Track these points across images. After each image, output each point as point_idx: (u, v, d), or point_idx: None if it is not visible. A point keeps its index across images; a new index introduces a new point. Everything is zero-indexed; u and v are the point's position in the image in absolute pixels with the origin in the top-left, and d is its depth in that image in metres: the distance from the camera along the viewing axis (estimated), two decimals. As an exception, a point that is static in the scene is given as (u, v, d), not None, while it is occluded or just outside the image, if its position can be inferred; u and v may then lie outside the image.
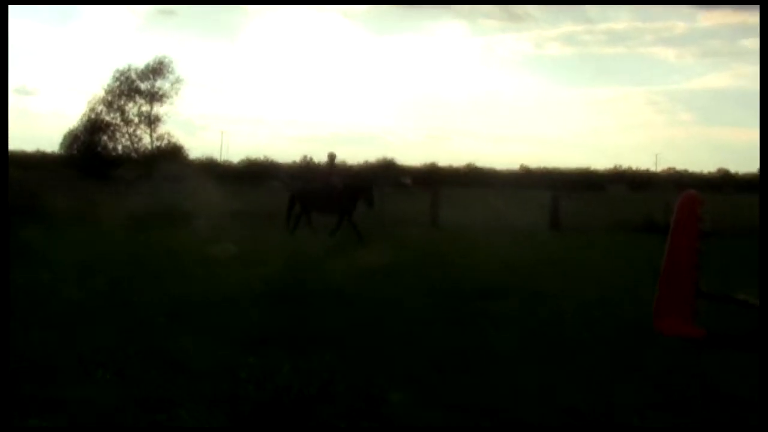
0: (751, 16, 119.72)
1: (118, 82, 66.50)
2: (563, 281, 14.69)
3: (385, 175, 54.92)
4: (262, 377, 7.12)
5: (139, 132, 66.74)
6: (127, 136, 66.60)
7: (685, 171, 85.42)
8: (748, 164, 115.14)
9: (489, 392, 6.97)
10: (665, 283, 10.00)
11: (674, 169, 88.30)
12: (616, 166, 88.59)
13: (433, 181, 52.04)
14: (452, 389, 7.04)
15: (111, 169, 61.40)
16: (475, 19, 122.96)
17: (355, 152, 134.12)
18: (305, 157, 74.99)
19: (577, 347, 8.92)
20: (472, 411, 6.48)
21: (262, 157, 75.07)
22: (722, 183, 68.82)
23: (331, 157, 24.90)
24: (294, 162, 72.48)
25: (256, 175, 59.18)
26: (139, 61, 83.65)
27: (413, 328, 9.80)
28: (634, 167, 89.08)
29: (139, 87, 66.91)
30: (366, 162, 74.54)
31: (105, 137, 65.65)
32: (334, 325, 9.78)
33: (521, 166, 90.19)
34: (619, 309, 11.57)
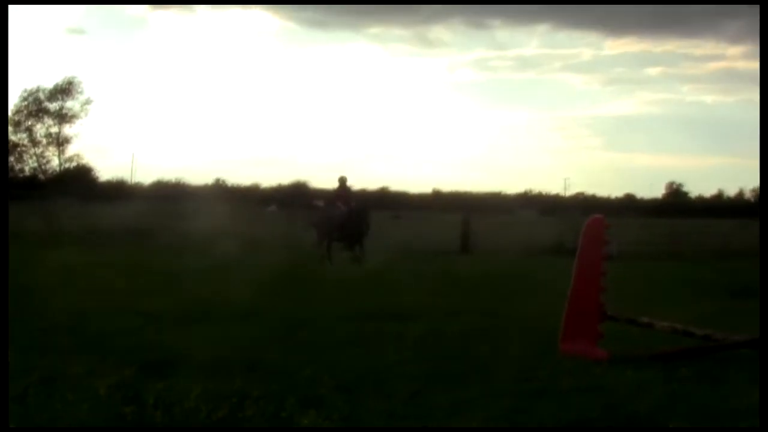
0: (655, 46, 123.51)
1: (25, 102, 64.98)
2: (472, 302, 14.88)
3: (298, 198, 54.78)
4: (170, 402, 7.03)
5: (47, 153, 65.30)
6: (35, 157, 65.07)
7: (593, 196, 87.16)
8: (653, 189, 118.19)
9: (399, 412, 7.01)
10: (571, 306, 10.19)
11: (583, 193, 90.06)
12: (526, 191, 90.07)
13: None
14: (361, 411, 7.04)
15: (18, 190, 59.89)
16: (388, 43, 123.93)
17: (268, 174, 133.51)
18: (218, 179, 74.37)
19: (486, 367, 9.03)
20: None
21: (173, 180, 74.20)
22: (628, 207, 70.43)
23: (343, 180, 24.54)
24: (206, 184, 71.73)
25: (167, 197, 58.44)
26: (48, 81, 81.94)
27: (322, 350, 9.80)
28: (544, 192, 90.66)
29: (47, 107, 65.50)
30: (279, 185, 74.26)
31: (12, 158, 64.07)
32: (243, 345, 9.75)
33: (433, 189, 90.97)
34: (527, 330, 11.75)
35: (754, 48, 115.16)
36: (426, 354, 9.72)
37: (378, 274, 19.86)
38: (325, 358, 9.25)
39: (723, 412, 7.31)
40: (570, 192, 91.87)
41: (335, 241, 23.50)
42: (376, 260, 23.63)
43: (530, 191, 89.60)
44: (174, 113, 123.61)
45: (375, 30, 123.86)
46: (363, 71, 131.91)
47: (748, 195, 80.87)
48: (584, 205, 64.26)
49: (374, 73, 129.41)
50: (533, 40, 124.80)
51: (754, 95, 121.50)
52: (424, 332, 11.30)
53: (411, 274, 20.25)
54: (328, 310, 13.17)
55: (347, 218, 23.08)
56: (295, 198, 53.91)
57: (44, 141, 65.16)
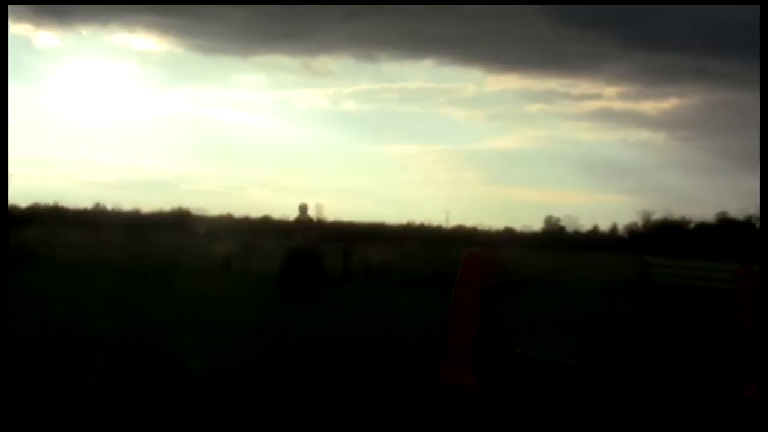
0: (536, 83, 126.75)
1: None
2: (357, 331, 14.94)
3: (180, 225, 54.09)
4: None
5: None
6: None
7: (474, 228, 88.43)
8: (532, 223, 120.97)
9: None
10: (448, 336, 10.34)
11: (464, 226, 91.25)
12: (409, 222, 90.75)
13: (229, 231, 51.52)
14: None
15: None
16: (274, 72, 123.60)
17: (149, 199, 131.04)
18: (98, 204, 72.58)
19: (363, 392, 9.07)
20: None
21: (51, 203, 72.02)
22: (508, 240, 71.75)
23: (304, 208, 21.02)
24: (86, 209, 69.85)
25: (45, 220, 56.78)
26: None
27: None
28: (426, 223, 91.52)
29: None
30: (161, 210, 72.93)
31: None
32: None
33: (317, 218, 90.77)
34: (406, 358, 11.85)
35: (629, 89, 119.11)
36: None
37: (252, 305, 19.72)
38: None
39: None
40: (451, 224, 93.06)
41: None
42: (253, 289, 23.50)
43: (412, 223, 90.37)
44: (50, 134, 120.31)
45: (262, 58, 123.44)
46: (248, 99, 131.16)
47: (621, 231, 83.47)
48: (466, 237, 65.27)
49: (259, 101, 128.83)
50: (419, 74, 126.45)
51: (629, 135, 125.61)
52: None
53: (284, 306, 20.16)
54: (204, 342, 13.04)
55: (300, 260, 20.15)
56: (176, 224, 53.18)
57: None
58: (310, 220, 21.12)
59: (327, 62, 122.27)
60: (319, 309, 18.92)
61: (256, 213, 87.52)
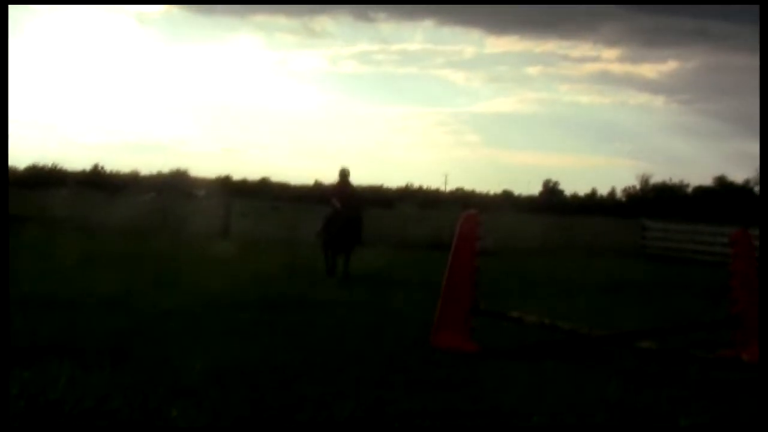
0: (535, 45, 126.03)
1: None
2: (348, 295, 15.01)
3: (178, 186, 54.00)
4: (35, 392, 6.87)
5: None
6: None
7: (473, 191, 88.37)
8: (530, 186, 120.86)
9: (268, 403, 7.03)
10: (444, 300, 10.38)
11: (462, 189, 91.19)
12: (407, 185, 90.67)
13: (227, 193, 51.43)
14: (232, 402, 7.04)
15: None
16: (272, 32, 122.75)
17: (147, 162, 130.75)
18: (96, 165, 72.35)
19: (358, 359, 9.13)
20: (254, 424, 6.53)
21: (50, 164, 71.85)
22: (506, 203, 71.73)
23: (345, 174, 19.46)
24: (84, 170, 69.65)
25: (42, 182, 56.67)
26: None
27: (193, 339, 9.74)
28: (424, 186, 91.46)
29: None
30: (159, 172, 72.78)
31: None
32: (111, 334, 9.62)
33: (315, 181, 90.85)
34: (401, 323, 11.92)
35: (628, 51, 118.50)
36: (298, 345, 9.77)
37: (255, 265, 19.78)
38: (196, 347, 9.18)
39: (583, 404, 7.57)
40: (450, 187, 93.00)
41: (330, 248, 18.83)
42: (255, 250, 23.56)
43: (411, 185, 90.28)
44: (50, 98, 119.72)
45: (260, 18, 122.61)
46: (246, 60, 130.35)
47: (619, 194, 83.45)
48: (464, 200, 65.25)
49: (257, 62, 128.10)
50: (417, 35, 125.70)
51: (628, 98, 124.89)
52: (296, 323, 11.37)
53: (287, 265, 20.23)
54: (201, 300, 13.06)
55: (342, 225, 18.37)
56: (174, 186, 53.12)
57: None
58: (351, 187, 19.64)
59: (325, 23, 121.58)
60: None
61: (254, 176, 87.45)
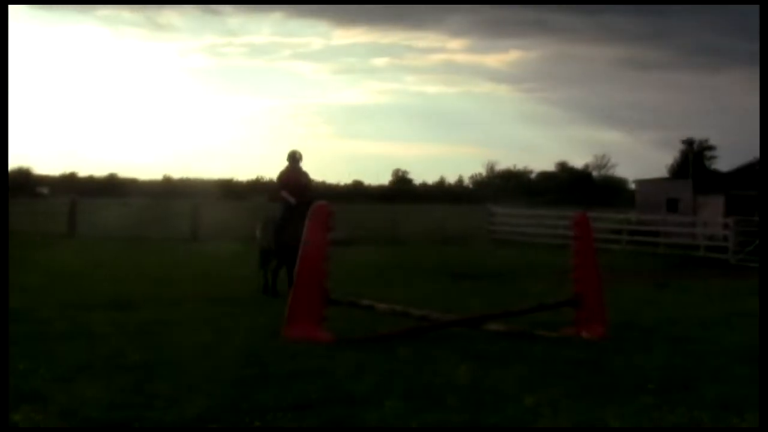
0: (382, 37, 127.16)
1: None
2: (200, 290, 14.85)
3: (21, 185, 52.12)
4: None
5: None
6: None
7: (323, 182, 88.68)
8: (380, 176, 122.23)
9: (119, 402, 6.90)
10: (296, 291, 10.40)
11: (313, 180, 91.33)
12: (258, 177, 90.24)
13: (72, 191, 49.98)
14: (79, 403, 6.86)
15: None
16: (117, 26, 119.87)
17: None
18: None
19: (210, 354, 9.06)
20: (102, 426, 6.40)
21: None
22: (356, 194, 72.32)
23: (295, 156, 15.54)
24: None
25: None
26: None
27: (40, 341, 9.45)
28: (275, 179, 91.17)
29: None
30: None
31: None
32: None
33: (164, 176, 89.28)
34: (253, 316, 11.89)
35: (472, 42, 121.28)
36: (149, 342, 9.60)
37: (105, 263, 19.32)
38: (43, 349, 8.92)
39: (434, 388, 7.74)
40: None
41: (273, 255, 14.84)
42: (103, 248, 23.00)
43: (262, 178, 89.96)
44: None
45: (105, 11, 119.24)
46: (92, 53, 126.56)
47: (467, 182, 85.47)
48: (315, 192, 65.31)
49: (103, 55, 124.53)
50: (264, 28, 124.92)
51: (473, 87, 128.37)
52: (148, 321, 11.17)
53: (138, 262, 19.85)
54: (49, 300, 12.68)
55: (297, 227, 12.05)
56: (17, 185, 51.22)
57: None
58: (304, 176, 15.55)
59: (171, 16, 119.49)
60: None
61: (101, 172, 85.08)
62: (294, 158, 15.42)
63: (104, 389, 7.33)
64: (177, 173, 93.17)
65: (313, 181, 16.68)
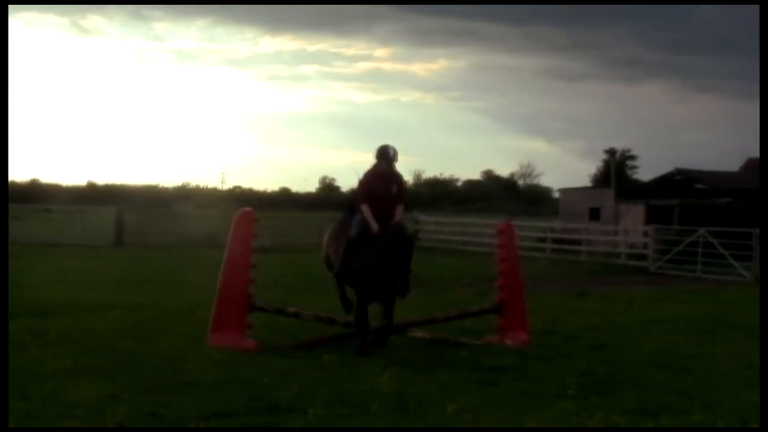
0: (310, 44, 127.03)
1: None
2: (124, 297, 14.65)
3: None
4: None
5: None
6: None
7: (250, 189, 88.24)
8: (307, 183, 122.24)
9: (36, 412, 6.79)
10: (221, 298, 10.34)
11: (240, 187, 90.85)
12: (184, 184, 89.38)
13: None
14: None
15: None
16: (43, 30, 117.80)
17: None
18: None
19: (133, 362, 8.97)
20: None
21: None
22: (284, 201, 72.07)
23: (391, 155, 10.91)
24: None
25: None
26: None
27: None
28: (201, 185, 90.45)
29: None
30: None
31: None
32: None
33: (88, 182, 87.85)
34: (178, 323, 11.79)
35: (400, 50, 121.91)
36: (69, 351, 9.45)
37: (25, 270, 18.94)
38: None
39: (359, 395, 7.78)
40: (227, 186, 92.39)
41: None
42: (25, 254, 22.54)
43: (188, 184, 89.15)
44: None
45: (28, 15, 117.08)
46: (14, 56, 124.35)
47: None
48: (242, 198, 64.93)
49: (27, 59, 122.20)
50: (192, 34, 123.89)
51: (401, 95, 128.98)
52: (69, 329, 11.00)
53: (61, 269, 19.51)
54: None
55: (382, 251, 10.17)
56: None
57: None
58: (397, 181, 10.98)
59: (97, 20, 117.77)
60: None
61: (22, 178, 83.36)
62: (386, 156, 10.84)
63: (22, 399, 7.21)
64: (101, 179, 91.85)
65: (408, 189, 11.46)
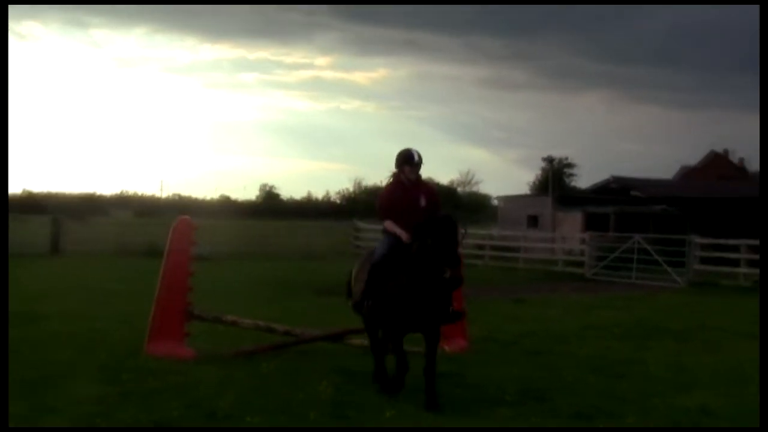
0: (249, 52, 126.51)
1: None
2: (60, 306, 14.48)
3: None
4: None
5: None
6: None
7: (190, 197, 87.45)
8: (247, 191, 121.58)
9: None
10: (158, 307, 10.26)
11: (179, 194, 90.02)
12: (122, 191, 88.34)
13: None
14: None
15: None
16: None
17: None
18: None
19: (68, 373, 8.87)
20: None
21: None
22: (224, 209, 71.53)
23: (417, 161, 8.94)
24: None
25: None
26: None
27: None
28: (140, 193, 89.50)
29: None
30: None
31: None
32: None
33: (23, 190, 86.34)
34: (114, 332, 11.67)
35: (341, 59, 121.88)
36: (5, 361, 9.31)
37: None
38: None
39: (297, 404, 7.78)
40: (166, 193, 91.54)
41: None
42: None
43: (126, 192, 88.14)
44: None
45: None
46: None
47: (334, 197, 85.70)
48: (181, 206, 64.35)
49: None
50: (131, 41, 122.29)
51: (341, 104, 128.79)
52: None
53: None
54: None
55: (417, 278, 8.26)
56: None
57: None
58: (427, 190, 9.15)
59: (33, 26, 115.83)
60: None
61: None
62: (411, 162, 8.91)
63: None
64: (36, 187, 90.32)
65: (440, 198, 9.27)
